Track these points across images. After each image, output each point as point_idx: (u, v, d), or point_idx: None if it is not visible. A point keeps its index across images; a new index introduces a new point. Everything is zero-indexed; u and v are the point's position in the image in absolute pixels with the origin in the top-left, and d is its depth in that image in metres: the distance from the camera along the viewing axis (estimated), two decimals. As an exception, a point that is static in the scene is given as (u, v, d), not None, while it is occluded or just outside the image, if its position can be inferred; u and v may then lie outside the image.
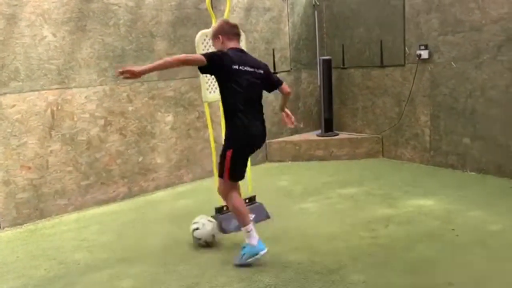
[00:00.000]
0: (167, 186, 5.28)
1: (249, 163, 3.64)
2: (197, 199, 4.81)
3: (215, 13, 4.01)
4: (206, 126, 5.26)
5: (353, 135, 6.27)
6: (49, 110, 4.42)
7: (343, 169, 5.70)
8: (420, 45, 5.39)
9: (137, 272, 3.22)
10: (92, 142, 4.71)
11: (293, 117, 3.67)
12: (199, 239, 3.54)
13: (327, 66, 6.20)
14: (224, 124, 3.45)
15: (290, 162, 6.17)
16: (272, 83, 3.45)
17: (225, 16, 3.98)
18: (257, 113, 3.28)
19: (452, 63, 5.14)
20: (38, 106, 4.36)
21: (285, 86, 3.53)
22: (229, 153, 3.17)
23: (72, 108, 4.56)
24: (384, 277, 2.94)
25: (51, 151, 4.46)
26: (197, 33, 3.86)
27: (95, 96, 4.69)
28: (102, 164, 4.79)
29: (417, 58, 5.43)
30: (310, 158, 6.16)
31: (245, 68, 3.15)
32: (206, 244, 3.54)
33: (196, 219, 3.60)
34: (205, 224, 3.55)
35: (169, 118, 5.24)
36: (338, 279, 2.94)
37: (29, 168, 4.35)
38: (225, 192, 3.33)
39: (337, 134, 6.35)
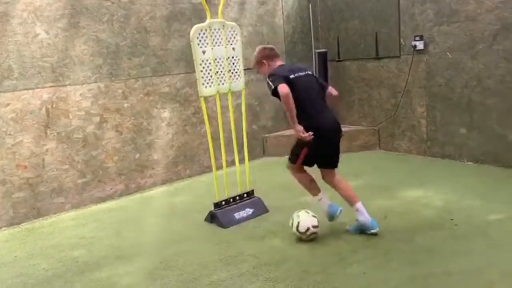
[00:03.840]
0: (164, 182, 5.26)
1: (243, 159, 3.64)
2: (194, 195, 4.79)
3: (209, 7, 3.97)
4: (202, 122, 5.24)
5: (350, 128, 6.26)
6: (44, 108, 4.38)
7: (340, 162, 5.67)
8: (415, 36, 5.38)
9: (136, 269, 3.21)
10: (88, 139, 4.68)
11: None
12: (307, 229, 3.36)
13: (323, 59, 6.18)
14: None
15: (287, 156, 6.14)
16: (322, 85, 3.58)
17: (219, 9, 3.95)
18: (323, 107, 3.45)
19: (448, 53, 5.13)
20: (33, 104, 4.32)
21: (332, 88, 3.61)
22: (305, 149, 3.40)
23: (67, 106, 4.52)
24: (384, 268, 2.94)
25: (47, 150, 4.43)
26: (191, 27, 3.83)
27: (90, 93, 4.65)
28: (99, 162, 4.76)
29: (413, 49, 5.41)
30: (307, 152, 6.13)
31: (297, 74, 3.41)
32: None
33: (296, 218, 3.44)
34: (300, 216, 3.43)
35: (165, 114, 5.22)
36: (338, 271, 2.94)
37: (25, 167, 4.31)
38: (293, 172, 3.64)
39: (334, 127, 6.33)
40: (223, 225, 3.82)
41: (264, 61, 3.54)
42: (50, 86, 4.41)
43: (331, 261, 3.08)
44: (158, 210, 4.43)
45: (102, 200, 4.80)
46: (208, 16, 3.84)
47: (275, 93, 3.26)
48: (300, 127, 3.28)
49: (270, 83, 3.31)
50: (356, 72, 6.21)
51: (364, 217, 3.40)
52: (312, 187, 3.62)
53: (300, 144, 3.42)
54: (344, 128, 6.22)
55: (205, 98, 3.96)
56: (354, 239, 3.39)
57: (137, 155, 5.04)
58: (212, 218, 3.93)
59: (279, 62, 3.58)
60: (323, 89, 3.55)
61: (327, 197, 3.61)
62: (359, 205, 3.42)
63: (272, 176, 5.27)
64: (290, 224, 3.44)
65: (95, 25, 4.63)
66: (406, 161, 5.48)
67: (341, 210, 3.52)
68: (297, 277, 2.91)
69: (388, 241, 3.34)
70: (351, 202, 3.46)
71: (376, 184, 4.63)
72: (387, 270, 2.91)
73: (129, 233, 3.90)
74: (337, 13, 6.31)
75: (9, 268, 3.39)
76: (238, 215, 3.94)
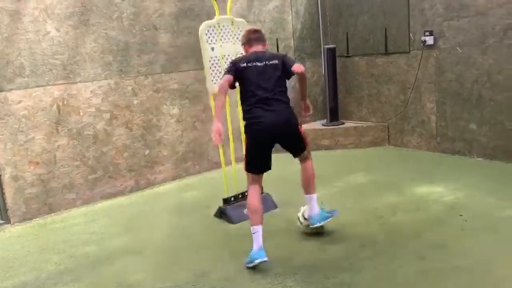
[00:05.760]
0: (174, 178, 5.30)
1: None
2: (204, 191, 4.82)
3: (218, 3, 3.99)
4: (211, 118, 5.26)
5: (359, 124, 6.25)
6: (55, 105, 4.44)
7: (349, 158, 5.69)
8: (425, 31, 5.34)
9: (147, 264, 3.25)
10: (99, 136, 4.73)
11: (310, 111, 3.53)
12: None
13: (332, 54, 6.16)
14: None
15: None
16: (287, 69, 3.20)
17: (228, 6, 3.96)
18: (273, 103, 3.16)
19: (458, 48, 5.10)
20: (44, 101, 4.38)
21: (296, 66, 3.18)
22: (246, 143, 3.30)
23: (78, 103, 4.57)
24: (392, 263, 2.94)
25: (58, 146, 4.48)
26: (200, 24, 3.85)
27: (100, 90, 4.70)
28: (109, 158, 4.81)
29: (422, 44, 5.38)
30: (316, 148, 6.13)
31: (253, 63, 3.15)
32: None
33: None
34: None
35: (175, 110, 5.25)
36: (347, 266, 2.95)
37: (37, 163, 4.37)
38: (247, 184, 3.28)
39: (343, 123, 6.33)
40: (232, 221, 3.84)
41: (244, 45, 3.34)
42: (61, 83, 4.46)
43: (340, 256, 3.09)
44: (168, 206, 4.47)
45: (113, 196, 4.85)
46: (217, 12, 3.86)
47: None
48: (216, 127, 3.03)
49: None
50: (365, 68, 6.18)
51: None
52: (260, 215, 3.16)
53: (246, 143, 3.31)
54: (353, 124, 6.29)
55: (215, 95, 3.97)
56: (362, 235, 3.40)
57: (147, 151, 5.08)
58: (221, 213, 3.96)
59: (255, 48, 3.26)
60: (287, 76, 3.22)
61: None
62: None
63: (281, 171, 5.26)
64: (300, 215, 3.54)
65: (105, 22, 4.66)
66: (415, 157, 5.45)
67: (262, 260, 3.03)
68: (306, 272, 2.92)
69: (397, 236, 3.34)
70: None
71: (385, 180, 4.62)
72: (395, 265, 2.92)
73: (139, 228, 3.94)
74: (346, 8, 6.28)
75: (22, 262, 3.45)
76: (247, 211, 3.95)
